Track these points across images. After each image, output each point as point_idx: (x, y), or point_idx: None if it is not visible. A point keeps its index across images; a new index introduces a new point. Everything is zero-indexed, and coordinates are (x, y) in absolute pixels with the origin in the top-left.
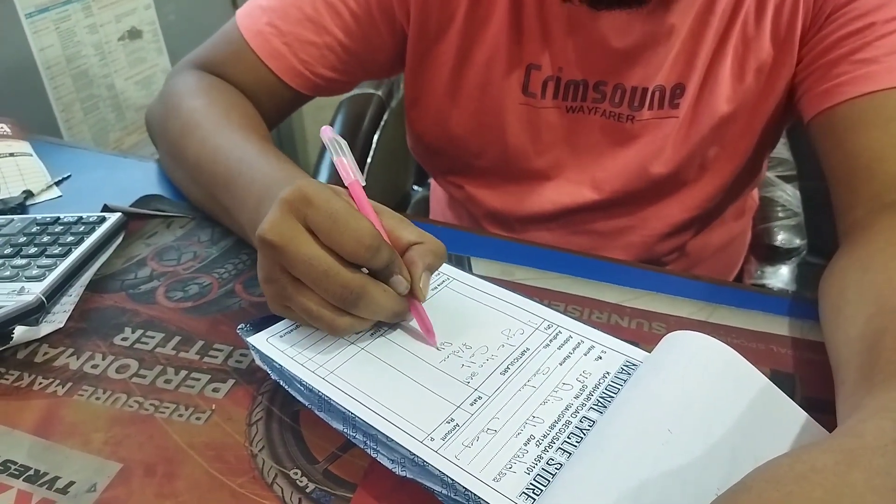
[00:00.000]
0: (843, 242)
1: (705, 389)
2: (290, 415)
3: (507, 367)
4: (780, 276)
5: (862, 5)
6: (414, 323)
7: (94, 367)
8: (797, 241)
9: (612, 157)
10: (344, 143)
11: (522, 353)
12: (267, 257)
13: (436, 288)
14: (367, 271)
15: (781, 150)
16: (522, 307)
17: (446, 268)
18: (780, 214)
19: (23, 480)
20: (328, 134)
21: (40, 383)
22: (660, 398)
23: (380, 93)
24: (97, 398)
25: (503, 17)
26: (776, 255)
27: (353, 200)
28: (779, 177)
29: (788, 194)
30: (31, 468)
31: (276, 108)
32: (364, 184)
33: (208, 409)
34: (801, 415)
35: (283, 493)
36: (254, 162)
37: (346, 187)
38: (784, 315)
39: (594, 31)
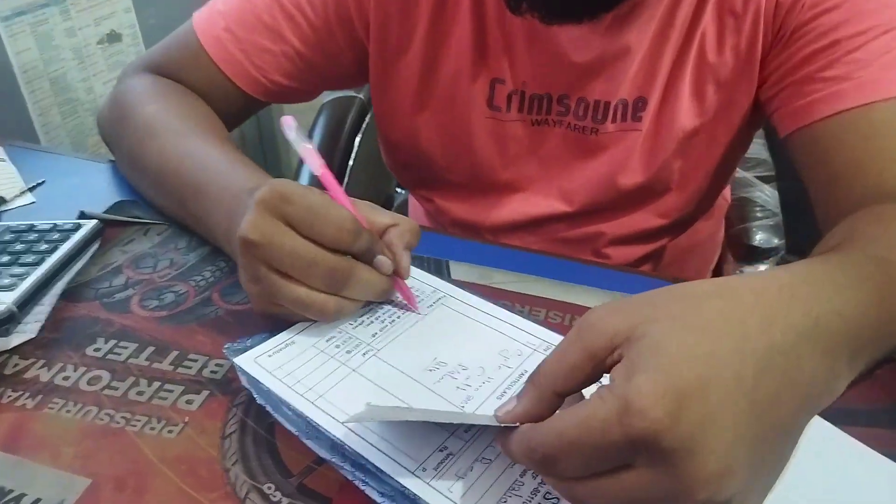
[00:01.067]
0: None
1: None
2: (265, 427)
3: (505, 391)
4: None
5: (826, 22)
6: (405, 339)
7: (66, 378)
8: (775, 241)
9: (578, 169)
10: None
11: (521, 376)
12: (250, 257)
13: (431, 305)
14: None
15: (760, 150)
16: (521, 327)
17: (442, 284)
18: (759, 214)
19: None
20: (292, 123)
21: (9, 396)
22: None
23: (361, 96)
24: (67, 411)
25: (466, 32)
26: (755, 255)
27: (327, 189)
28: (757, 177)
29: (766, 194)
30: None
31: (231, 113)
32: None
33: (181, 421)
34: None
35: None
36: (222, 170)
37: (315, 178)
38: None
39: (555, 46)
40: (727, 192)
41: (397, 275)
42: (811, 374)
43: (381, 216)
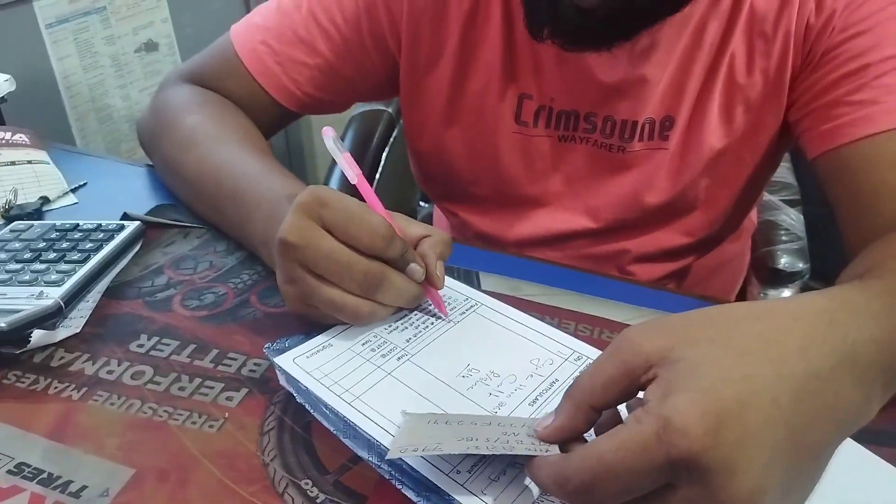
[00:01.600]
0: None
1: None
2: (302, 425)
3: (536, 398)
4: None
5: (856, 46)
6: (438, 345)
7: (110, 372)
8: (800, 265)
9: (605, 186)
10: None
11: (552, 385)
12: (288, 258)
13: (464, 313)
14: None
15: (785, 174)
16: (552, 337)
17: (474, 293)
18: (784, 238)
19: (36, 483)
20: (331, 133)
21: (56, 387)
22: None
23: (390, 109)
24: (112, 404)
25: (496, 47)
26: (779, 279)
27: (364, 197)
28: (783, 200)
29: (792, 218)
30: (45, 471)
31: (266, 124)
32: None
33: (221, 417)
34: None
35: (293, 502)
36: (260, 179)
37: (354, 188)
38: None
39: (582, 65)
40: (754, 214)
41: (430, 284)
42: (846, 400)
43: (416, 227)
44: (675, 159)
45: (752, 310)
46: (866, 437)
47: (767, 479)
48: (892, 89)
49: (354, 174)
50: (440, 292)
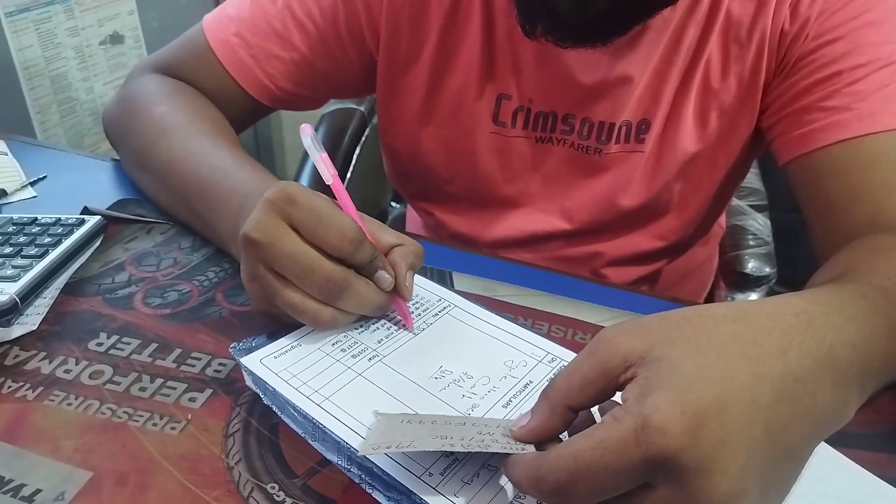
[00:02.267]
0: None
1: None
2: (269, 427)
3: (510, 400)
4: (741, 301)
5: (829, 53)
6: (411, 346)
7: (67, 371)
8: (767, 270)
9: (580, 188)
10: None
11: (525, 386)
12: (251, 255)
13: (437, 314)
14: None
15: (753, 180)
16: (525, 338)
17: (448, 294)
18: (751, 242)
19: None
20: (309, 131)
21: (9, 387)
22: None
23: (362, 108)
24: (69, 404)
25: (475, 47)
26: (746, 283)
27: (337, 198)
28: (750, 206)
29: (759, 223)
30: None
31: (238, 118)
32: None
33: (184, 418)
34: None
35: None
36: (230, 171)
37: (325, 187)
38: None
39: (562, 66)
40: (723, 219)
41: (398, 294)
42: (824, 402)
43: (388, 235)
44: (650, 162)
45: (729, 310)
46: (836, 441)
47: (745, 479)
48: (863, 96)
49: (330, 175)
50: (408, 304)
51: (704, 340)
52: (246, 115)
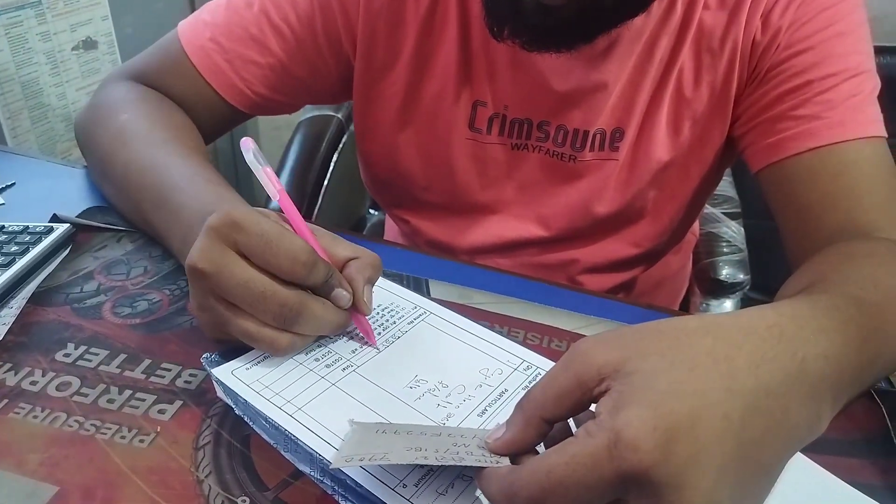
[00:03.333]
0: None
1: None
2: (240, 439)
3: (485, 409)
4: (724, 310)
5: (799, 63)
6: (385, 356)
7: (33, 383)
8: (741, 276)
9: (556, 195)
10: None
11: (501, 395)
12: (198, 286)
13: (412, 322)
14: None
15: (727, 187)
16: (501, 346)
17: (423, 301)
18: (725, 249)
19: None
20: (251, 146)
21: None
22: None
23: (339, 115)
24: (34, 417)
25: (452, 53)
26: (720, 289)
27: (286, 214)
28: (724, 213)
29: (733, 230)
30: None
31: (214, 124)
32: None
33: (153, 431)
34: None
35: None
36: (183, 185)
37: (268, 203)
38: None
39: (537, 73)
40: (696, 227)
41: (357, 310)
42: (796, 416)
43: (342, 248)
44: (624, 170)
45: (702, 323)
46: (810, 447)
47: (717, 494)
48: (832, 105)
49: (276, 190)
50: (383, 313)
51: (677, 354)
52: (222, 121)
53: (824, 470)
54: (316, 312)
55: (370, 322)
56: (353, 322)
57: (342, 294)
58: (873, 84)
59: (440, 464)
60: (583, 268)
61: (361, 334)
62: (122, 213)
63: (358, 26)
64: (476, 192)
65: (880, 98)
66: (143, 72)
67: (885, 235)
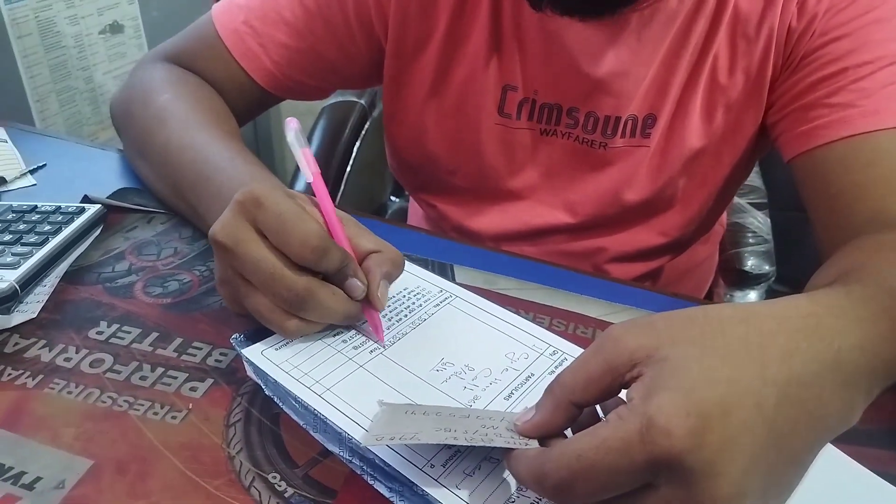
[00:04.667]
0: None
1: None
2: (270, 417)
3: (511, 392)
4: (749, 302)
5: (834, 50)
6: (412, 338)
7: (67, 360)
8: (766, 268)
9: (584, 182)
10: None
11: (527, 379)
12: (220, 259)
13: (438, 305)
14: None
15: (754, 178)
16: (527, 331)
17: (449, 285)
18: (751, 240)
19: None
20: (294, 125)
21: (9, 374)
22: None
23: (363, 101)
24: (69, 392)
25: (482, 37)
26: (745, 280)
27: (317, 197)
28: (750, 203)
29: (759, 221)
30: None
31: (246, 107)
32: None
33: (185, 408)
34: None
35: (260, 496)
36: (223, 164)
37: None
38: None
39: (568, 58)
40: (723, 218)
41: (370, 305)
42: (829, 406)
43: (366, 240)
44: (655, 157)
45: (736, 312)
46: (839, 437)
47: (748, 482)
48: (868, 93)
49: (311, 172)
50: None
51: (710, 342)
52: (253, 104)
53: (851, 459)
54: (323, 301)
55: (393, 308)
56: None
57: (356, 284)
58: None
59: (469, 444)
60: (610, 256)
61: (395, 310)
62: (156, 193)
63: (390, 8)
64: (503, 178)
65: None
66: (177, 54)
67: None
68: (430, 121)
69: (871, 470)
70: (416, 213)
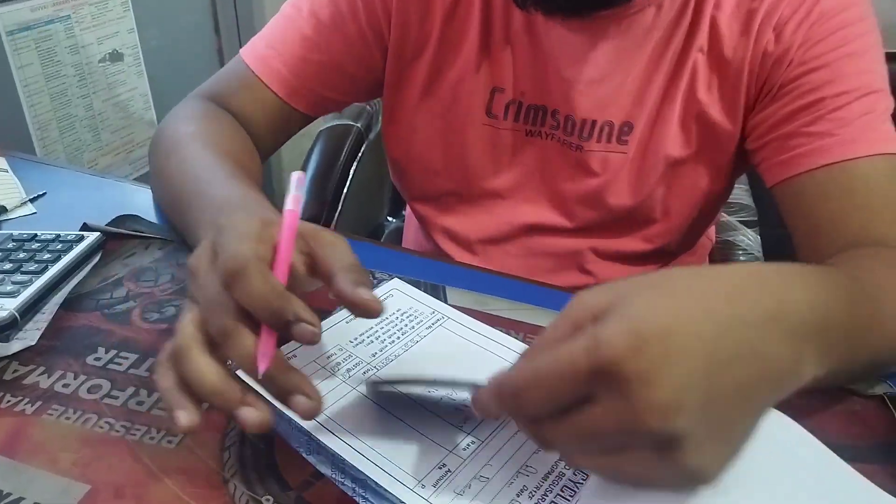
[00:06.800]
0: None
1: None
2: (264, 441)
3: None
4: None
5: (812, 80)
6: (404, 360)
7: (66, 386)
8: None
9: (568, 183)
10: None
11: None
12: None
13: (430, 327)
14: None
15: (743, 196)
16: (518, 351)
17: (441, 306)
18: (742, 258)
19: None
20: (299, 178)
21: (8, 401)
22: None
23: (359, 125)
24: (67, 418)
25: (474, 40)
26: None
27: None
28: (740, 221)
29: (750, 239)
30: None
31: (272, 127)
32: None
33: (181, 432)
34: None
35: None
36: (217, 182)
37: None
38: None
39: (551, 61)
40: (712, 232)
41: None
42: (773, 351)
43: (331, 255)
44: (634, 164)
45: (689, 270)
46: (850, 456)
47: (683, 398)
48: (845, 122)
49: (292, 207)
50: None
51: (659, 287)
52: (278, 122)
53: (852, 468)
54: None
55: (386, 330)
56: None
57: (304, 329)
58: (887, 104)
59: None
60: (595, 258)
61: (388, 333)
62: (170, 218)
63: (392, 14)
64: (488, 178)
65: None
66: (212, 91)
67: None
68: (421, 121)
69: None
70: (409, 236)
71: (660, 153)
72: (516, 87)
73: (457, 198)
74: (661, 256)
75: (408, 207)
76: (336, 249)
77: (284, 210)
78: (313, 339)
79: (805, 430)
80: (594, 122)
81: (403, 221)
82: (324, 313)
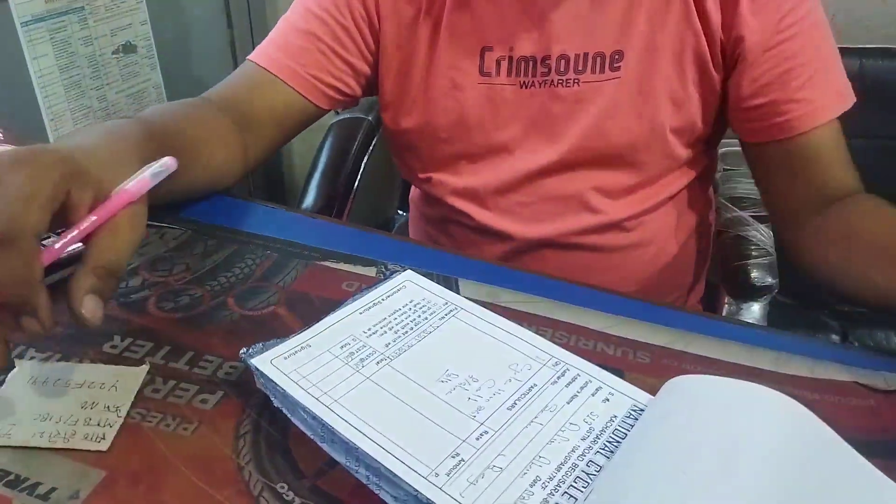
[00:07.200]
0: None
1: (724, 430)
2: (279, 429)
3: (515, 403)
4: (752, 313)
5: (788, 48)
6: (417, 350)
7: None
8: (769, 280)
9: (569, 122)
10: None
11: (530, 389)
12: None
13: (443, 318)
14: None
15: (755, 191)
16: (530, 342)
17: (454, 297)
18: (754, 253)
19: (3, 485)
20: (166, 164)
21: None
22: (678, 444)
23: (370, 118)
24: None
25: (457, 5)
26: (749, 292)
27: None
28: (752, 216)
29: (762, 234)
30: (12, 473)
31: (291, 124)
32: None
33: (196, 420)
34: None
35: None
36: (104, 124)
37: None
38: (759, 346)
39: (538, 10)
40: (713, 217)
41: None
42: None
43: (98, 245)
44: (631, 92)
45: None
46: (866, 451)
47: None
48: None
49: (135, 192)
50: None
51: None
52: (299, 117)
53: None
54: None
55: (399, 321)
56: None
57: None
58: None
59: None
60: (600, 196)
61: (402, 324)
62: None
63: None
64: (492, 133)
65: (862, 99)
66: (220, 94)
67: (855, 191)
68: (419, 93)
69: None
70: (416, 229)
71: (654, 79)
72: (504, 43)
73: (463, 159)
74: (664, 194)
75: (411, 202)
76: (114, 241)
77: (118, 188)
78: (34, 339)
79: (822, 422)
80: (586, 55)
81: (409, 216)
82: (335, 303)
